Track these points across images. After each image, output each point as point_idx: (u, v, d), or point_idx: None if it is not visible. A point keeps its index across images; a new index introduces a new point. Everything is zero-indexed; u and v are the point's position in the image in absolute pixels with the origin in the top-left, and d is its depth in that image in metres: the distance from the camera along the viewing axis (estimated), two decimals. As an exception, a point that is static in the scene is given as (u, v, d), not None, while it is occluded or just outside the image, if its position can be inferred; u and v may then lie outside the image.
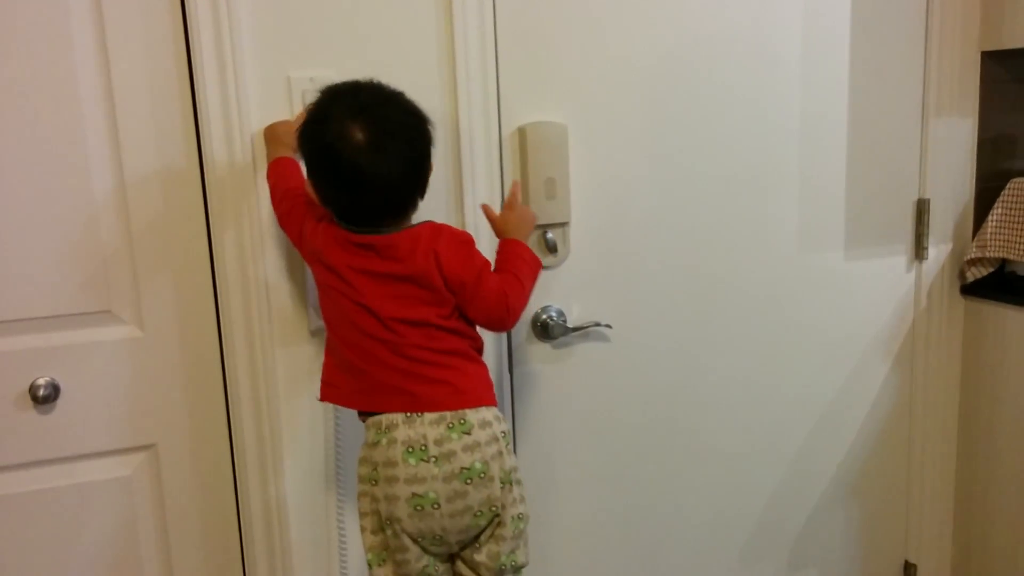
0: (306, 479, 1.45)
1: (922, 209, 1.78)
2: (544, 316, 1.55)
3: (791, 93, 1.65)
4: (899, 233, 1.79)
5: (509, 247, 1.28)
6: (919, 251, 1.80)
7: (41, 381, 1.33)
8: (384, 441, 1.15)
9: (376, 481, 1.16)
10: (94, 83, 1.29)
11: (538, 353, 1.57)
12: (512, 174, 1.49)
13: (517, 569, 1.23)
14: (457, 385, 1.17)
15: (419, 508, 1.14)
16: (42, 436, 1.35)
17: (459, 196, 1.46)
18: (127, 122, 1.31)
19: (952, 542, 1.92)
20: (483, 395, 1.19)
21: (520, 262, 1.26)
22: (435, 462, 1.13)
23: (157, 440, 1.41)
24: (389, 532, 1.17)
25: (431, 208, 1.34)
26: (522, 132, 1.48)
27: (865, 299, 1.78)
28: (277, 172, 1.30)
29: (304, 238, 1.25)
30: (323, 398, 1.25)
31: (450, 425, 1.15)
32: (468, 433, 1.15)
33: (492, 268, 1.25)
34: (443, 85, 1.43)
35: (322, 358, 1.35)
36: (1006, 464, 1.79)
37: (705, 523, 1.75)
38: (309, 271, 1.36)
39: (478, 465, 1.15)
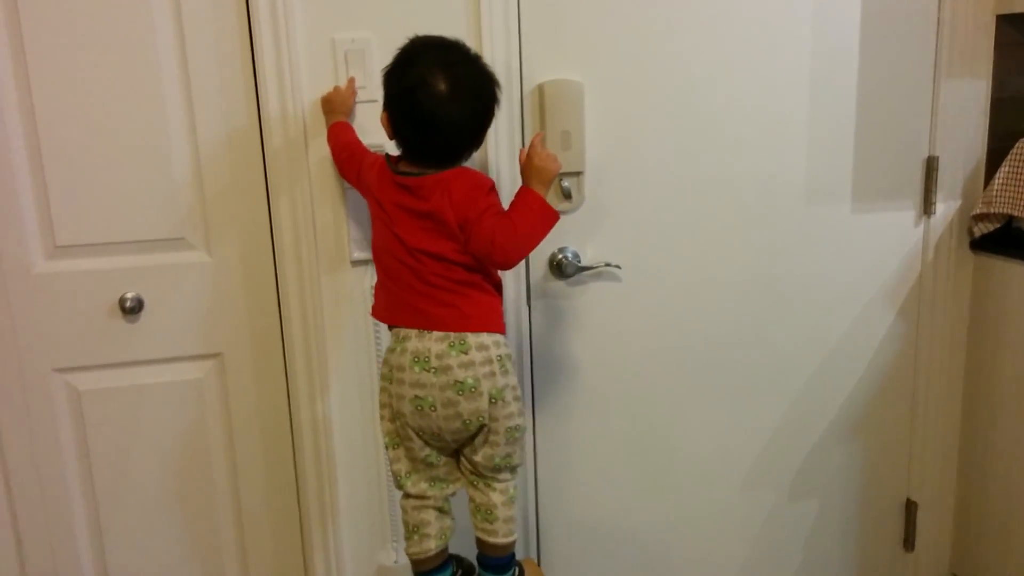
0: (347, 389, 1.67)
1: (931, 166, 1.87)
2: (560, 256, 1.73)
3: (802, 49, 1.76)
4: (907, 189, 1.88)
5: (519, 195, 1.42)
6: (927, 207, 1.89)
7: (129, 295, 1.60)
8: (399, 349, 1.37)
9: (391, 380, 1.39)
10: (172, 48, 1.54)
11: (554, 289, 1.76)
12: (532, 127, 1.67)
13: (512, 468, 1.44)
14: (464, 311, 1.36)
15: (419, 408, 1.36)
16: (129, 341, 1.62)
17: (483, 147, 1.64)
18: (199, 81, 1.55)
19: (955, 483, 2.03)
20: (487, 322, 1.38)
21: (524, 209, 1.39)
22: (434, 372, 1.34)
23: (223, 350, 1.67)
24: (398, 423, 1.39)
25: None
26: (541, 89, 1.65)
27: (871, 251, 1.89)
28: (335, 133, 1.53)
29: (361, 178, 1.47)
30: (371, 313, 1.48)
31: (451, 344, 1.35)
32: (465, 353, 1.34)
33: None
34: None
35: (360, 285, 1.58)
36: (1009, 408, 1.88)
37: (709, 450, 1.91)
38: (349, 209, 1.59)
39: (470, 381, 1.34)
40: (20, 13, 1.47)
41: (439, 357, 1.34)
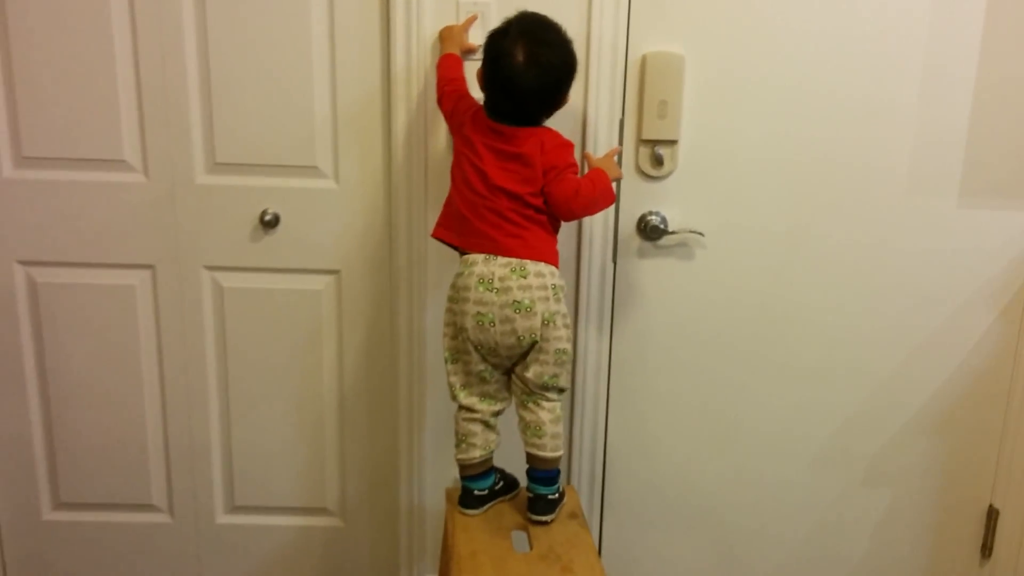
0: (441, 311, 1.77)
1: (1053, 168, 1.80)
2: (648, 218, 1.84)
3: (919, 34, 1.75)
4: (1022, 189, 1.83)
5: (594, 171, 1.62)
6: (1044, 209, 1.83)
7: (269, 210, 1.88)
8: (466, 272, 1.55)
9: (456, 300, 1.57)
10: (322, 5, 1.78)
11: (640, 249, 1.87)
12: (634, 95, 1.78)
13: (560, 389, 1.60)
14: (527, 242, 1.55)
15: (480, 323, 1.54)
16: (266, 250, 1.91)
17: (583, 112, 1.78)
18: (342, 34, 1.80)
19: (1046, 499, 1.97)
20: (546, 254, 1.56)
21: (599, 181, 1.59)
22: (496, 292, 1.52)
23: (341, 267, 1.92)
24: (459, 339, 1.58)
25: (559, 123, 1.64)
26: (644, 59, 1.76)
27: (976, 248, 1.85)
28: (445, 64, 1.72)
29: (454, 114, 1.66)
30: (433, 235, 1.66)
31: (513, 269, 1.52)
32: (524, 277, 1.52)
33: None
34: (581, 16, 1.73)
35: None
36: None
37: (779, 423, 1.96)
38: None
39: (526, 302, 1.52)
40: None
41: (501, 280, 1.52)
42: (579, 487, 1.98)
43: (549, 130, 1.59)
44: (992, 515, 2.00)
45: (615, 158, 1.67)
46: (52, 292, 1.94)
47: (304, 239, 1.91)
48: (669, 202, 1.84)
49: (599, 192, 1.58)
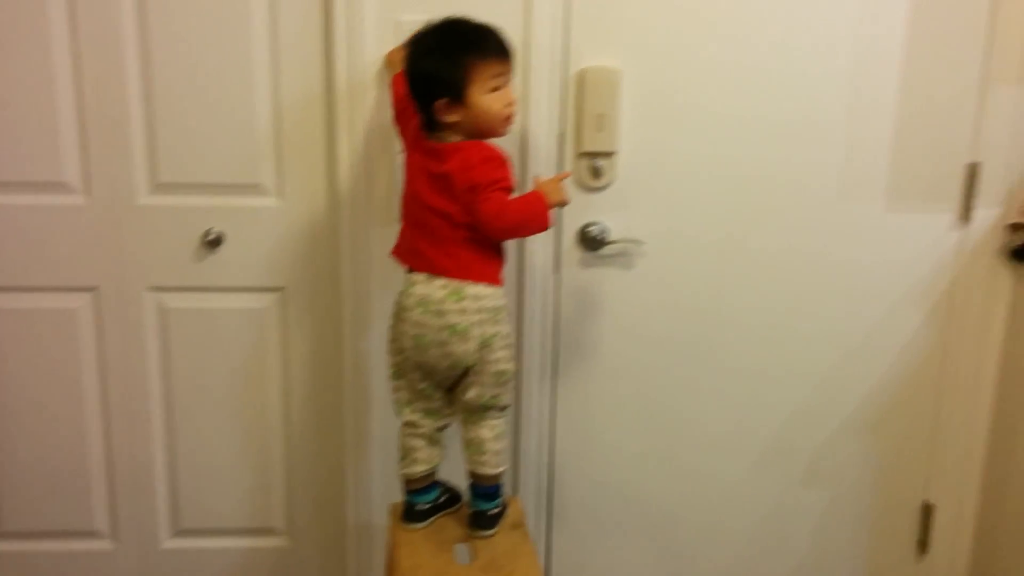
0: (386, 330, 1.82)
1: (973, 172, 1.89)
2: (589, 228, 1.88)
3: (844, 46, 1.82)
4: (946, 193, 1.91)
5: (532, 193, 1.56)
6: (965, 212, 1.91)
7: (212, 230, 1.88)
8: (407, 291, 1.56)
9: (397, 320, 1.59)
10: (264, 25, 1.80)
11: (582, 259, 1.91)
12: (572, 109, 1.83)
13: (501, 408, 1.61)
14: (463, 262, 1.53)
15: (418, 344, 1.54)
16: (210, 269, 1.90)
17: (524, 126, 1.81)
18: (285, 54, 1.81)
19: (978, 490, 2.04)
20: (484, 275, 1.54)
21: (532, 204, 1.53)
22: (432, 315, 1.52)
23: (286, 285, 1.93)
24: (400, 357, 1.59)
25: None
26: (582, 74, 1.81)
27: (904, 252, 1.93)
28: (396, 83, 1.72)
29: (404, 133, 1.67)
30: (391, 253, 1.66)
31: (451, 292, 1.52)
32: (461, 300, 1.52)
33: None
34: (520, 33, 1.76)
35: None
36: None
37: (723, 426, 2.01)
38: (399, 168, 1.80)
39: (462, 325, 1.52)
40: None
41: (439, 302, 1.52)
42: (526, 496, 2.00)
43: (476, 144, 1.53)
44: (927, 511, 2.07)
45: (564, 183, 1.60)
46: (-10, 317, 1.92)
47: (248, 257, 1.91)
48: (609, 212, 1.89)
49: (529, 215, 1.53)
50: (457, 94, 1.50)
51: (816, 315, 1.96)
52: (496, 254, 1.59)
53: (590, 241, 1.88)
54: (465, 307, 1.52)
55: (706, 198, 1.89)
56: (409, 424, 1.63)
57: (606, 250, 1.90)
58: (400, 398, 1.63)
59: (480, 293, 1.54)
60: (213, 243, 1.88)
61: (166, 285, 1.91)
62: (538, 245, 1.87)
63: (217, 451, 2.01)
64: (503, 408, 1.62)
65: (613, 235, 1.89)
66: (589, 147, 1.83)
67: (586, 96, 1.81)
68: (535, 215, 1.53)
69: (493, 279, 1.57)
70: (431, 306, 1.53)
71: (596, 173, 1.85)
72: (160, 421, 1.98)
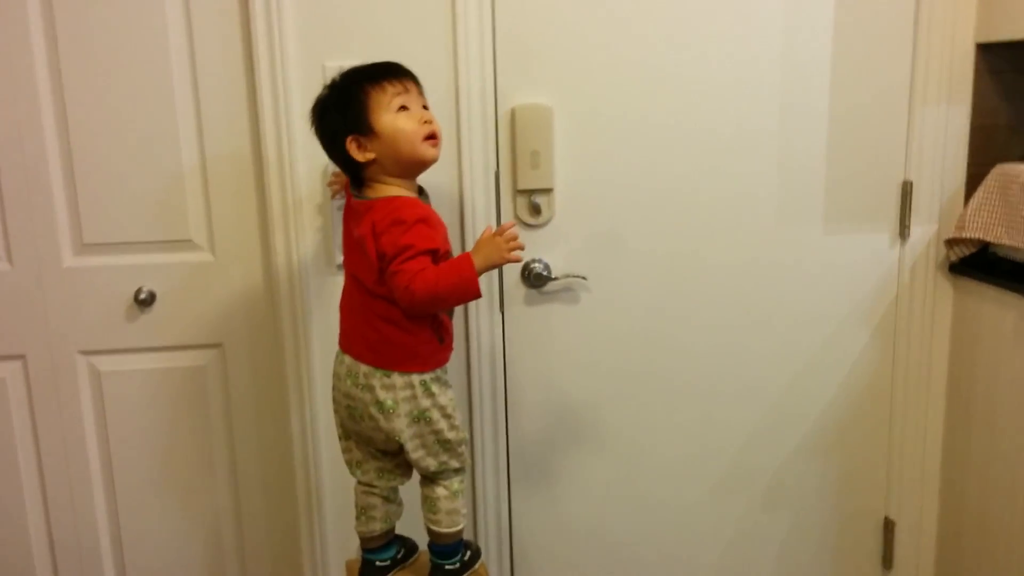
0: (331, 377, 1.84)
1: (906, 191, 1.90)
2: (531, 266, 1.86)
3: (772, 70, 1.83)
4: (882, 212, 1.92)
5: (460, 258, 1.42)
6: (903, 230, 1.92)
7: (144, 288, 1.82)
8: (340, 358, 1.51)
9: (334, 387, 1.53)
10: (185, 80, 1.75)
11: (526, 297, 1.88)
12: (505, 148, 1.80)
13: (453, 471, 1.54)
14: (382, 353, 1.44)
15: (352, 415, 1.49)
16: (143, 329, 1.84)
17: (458, 168, 1.79)
18: (207, 109, 1.76)
19: (938, 503, 2.04)
20: (404, 364, 1.44)
21: (454, 274, 1.39)
22: (362, 388, 1.46)
23: (224, 341, 1.87)
24: (340, 419, 1.54)
25: (434, 178, 1.61)
26: (513, 112, 1.79)
27: (845, 271, 1.94)
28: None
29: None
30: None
31: (378, 373, 1.45)
32: (388, 376, 1.44)
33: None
34: (448, 74, 1.75)
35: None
36: (988, 428, 1.88)
37: (679, 456, 1.99)
38: (335, 218, 1.76)
39: (389, 402, 1.45)
40: (60, 54, 1.71)
41: (367, 376, 1.45)
42: (485, 538, 1.96)
43: (388, 203, 1.40)
44: (889, 526, 2.07)
45: (507, 235, 1.42)
46: (-88, 393, 1.83)
47: (183, 315, 1.85)
48: (550, 249, 1.86)
49: (450, 286, 1.37)
50: (361, 124, 1.40)
51: (764, 338, 1.95)
52: (419, 332, 1.45)
53: (534, 278, 1.86)
54: (393, 382, 1.45)
55: (646, 227, 1.88)
56: (363, 483, 1.57)
57: (550, 286, 1.88)
58: (351, 459, 1.57)
59: (409, 381, 1.46)
60: (145, 302, 1.82)
61: (98, 348, 1.84)
62: (483, 286, 1.82)
63: (164, 521, 1.93)
64: (456, 470, 1.55)
65: (556, 271, 1.87)
66: (525, 185, 1.81)
67: (518, 134, 1.79)
68: (459, 285, 1.38)
69: (417, 365, 1.45)
70: (359, 380, 1.47)
71: (535, 210, 1.83)
72: (101, 492, 1.90)
